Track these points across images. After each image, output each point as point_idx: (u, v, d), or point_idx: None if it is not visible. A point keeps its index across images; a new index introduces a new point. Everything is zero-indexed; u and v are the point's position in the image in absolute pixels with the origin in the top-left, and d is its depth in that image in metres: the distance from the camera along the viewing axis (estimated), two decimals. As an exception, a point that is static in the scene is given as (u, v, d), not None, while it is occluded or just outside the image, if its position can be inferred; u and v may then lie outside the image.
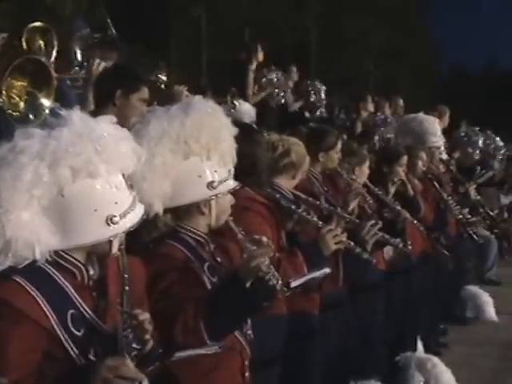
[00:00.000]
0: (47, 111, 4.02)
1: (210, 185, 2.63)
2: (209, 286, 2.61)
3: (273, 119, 7.76)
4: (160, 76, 5.29)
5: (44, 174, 1.98)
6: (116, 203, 2.08)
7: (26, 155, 1.97)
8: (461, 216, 6.05)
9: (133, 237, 2.26)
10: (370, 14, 26.61)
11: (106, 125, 2.13)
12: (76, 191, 2.02)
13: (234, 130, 2.76)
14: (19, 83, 3.95)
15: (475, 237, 6.15)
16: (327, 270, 2.91)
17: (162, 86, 5.23)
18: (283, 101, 8.16)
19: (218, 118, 2.71)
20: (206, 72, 20.52)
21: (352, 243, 3.57)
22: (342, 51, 25.93)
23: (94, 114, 3.65)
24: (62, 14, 15.92)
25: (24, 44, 5.69)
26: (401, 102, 10.21)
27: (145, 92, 3.76)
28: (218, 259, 2.74)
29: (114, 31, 5.36)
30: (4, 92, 3.75)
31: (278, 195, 3.58)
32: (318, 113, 8.75)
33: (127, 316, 2.08)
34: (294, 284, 2.58)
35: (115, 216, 2.06)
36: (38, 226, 2.00)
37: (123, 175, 2.14)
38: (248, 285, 2.43)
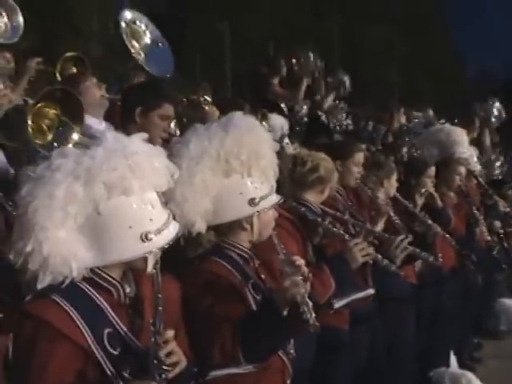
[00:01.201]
0: (71, 145, 4.09)
1: (252, 201, 2.64)
2: (253, 304, 2.60)
3: (301, 131, 7.76)
4: (205, 97, 5.34)
5: (79, 192, 2.01)
6: (151, 220, 2.10)
7: (61, 173, 2.01)
8: (488, 234, 5.98)
9: (178, 254, 2.27)
10: (392, 24, 26.57)
11: (139, 142, 2.15)
12: (111, 208, 2.05)
13: (275, 145, 2.76)
14: (51, 111, 4.02)
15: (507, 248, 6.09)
16: (371, 291, 2.88)
17: (206, 107, 5.26)
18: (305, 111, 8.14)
19: (258, 134, 2.72)
20: (231, 86, 20.63)
21: (379, 256, 3.56)
22: (365, 62, 25.90)
23: (116, 130, 3.72)
24: (87, 33, 16.12)
25: (58, 72, 5.81)
26: (431, 112, 10.13)
27: (167, 109, 3.74)
28: (262, 276, 2.74)
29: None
30: (31, 119, 3.82)
31: (303, 208, 3.59)
32: (343, 123, 8.73)
33: (158, 336, 2.08)
34: (337, 305, 2.57)
35: (150, 233, 2.08)
36: (75, 243, 2.03)
37: (157, 192, 2.16)
38: (284, 313, 2.43)
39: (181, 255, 2.35)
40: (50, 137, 3.99)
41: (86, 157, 2.04)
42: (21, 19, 5.14)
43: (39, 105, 3.88)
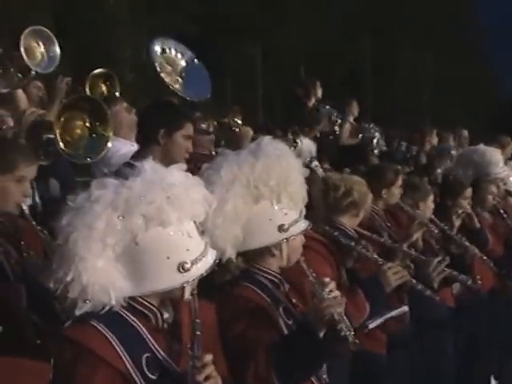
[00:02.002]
0: (104, 152, 4.15)
1: (281, 228, 2.64)
2: (284, 329, 2.60)
3: (331, 154, 7.75)
4: (236, 120, 5.39)
5: (117, 223, 2.03)
6: (188, 250, 2.11)
7: (100, 204, 2.04)
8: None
9: (206, 279, 2.28)
10: (424, 45, 26.50)
11: (177, 173, 2.17)
12: (149, 239, 2.07)
13: (304, 171, 2.77)
14: (79, 122, 4.09)
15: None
16: (405, 309, 2.86)
17: (237, 129, 5.30)
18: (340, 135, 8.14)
19: (287, 160, 2.73)
20: (263, 110, 20.73)
21: (413, 280, 3.52)
22: (397, 83, 25.83)
23: (139, 152, 3.77)
24: (120, 59, 16.35)
25: (87, 90, 5.91)
26: (465, 133, 10.05)
27: (189, 129, 3.77)
28: (294, 300, 2.73)
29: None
30: (59, 131, 3.89)
31: (336, 232, 3.58)
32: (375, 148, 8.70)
33: (197, 361, 2.09)
34: (371, 325, 2.56)
35: (187, 263, 2.09)
36: (113, 273, 2.05)
37: (195, 222, 2.17)
38: (321, 334, 2.41)
39: (209, 280, 2.34)
40: (83, 146, 4.07)
41: (125, 188, 2.07)
42: (57, 49, 5.22)
43: (64, 118, 3.97)
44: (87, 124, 4.14)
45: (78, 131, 4.12)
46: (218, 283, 2.62)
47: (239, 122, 5.68)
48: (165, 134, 3.65)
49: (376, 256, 3.55)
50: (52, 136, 3.92)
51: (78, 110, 4.09)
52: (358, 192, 3.81)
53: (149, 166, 2.14)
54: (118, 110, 4.78)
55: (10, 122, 3.86)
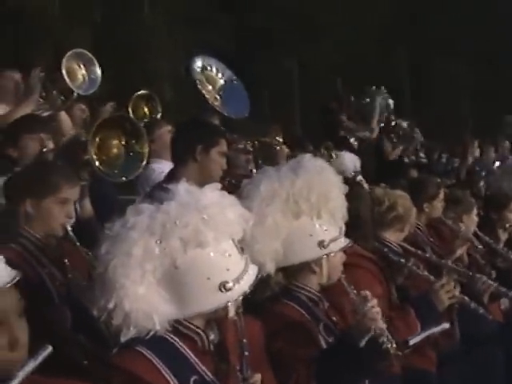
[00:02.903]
0: (140, 170, 4.17)
1: (321, 244, 2.64)
2: (324, 346, 2.59)
3: (372, 167, 7.71)
4: (278, 139, 5.40)
5: (155, 248, 2.03)
6: (228, 270, 2.10)
7: (137, 230, 2.03)
8: None
9: (247, 296, 2.27)
10: (462, 55, 26.23)
11: (212, 193, 2.16)
12: (188, 262, 2.06)
13: (344, 188, 2.75)
14: (115, 141, 4.12)
15: None
16: (446, 326, 2.83)
17: (278, 148, 5.31)
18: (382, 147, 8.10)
19: (328, 177, 2.74)
20: (300, 123, 20.71)
21: (466, 298, 3.45)
22: (435, 94, 25.62)
23: (175, 170, 3.79)
24: (159, 76, 16.52)
25: (130, 111, 5.98)
26: (507, 144, 9.91)
27: (223, 145, 3.80)
28: (334, 318, 2.71)
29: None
30: (94, 151, 3.92)
31: (385, 249, 3.54)
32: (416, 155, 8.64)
33: (246, 382, 2.07)
34: (412, 342, 2.53)
35: (228, 282, 2.08)
36: (155, 298, 2.05)
37: (233, 240, 2.16)
38: (361, 346, 2.39)
39: (249, 297, 2.33)
40: (120, 165, 4.11)
41: (160, 212, 2.06)
42: (98, 71, 5.29)
43: (99, 137, 4.00)
44: (123, 142, 4.17)
45: (115, 150, 4.15)
46: (258, 299, 2.61)
47: (280, 140, 5.69)
48: (202, 150, 3.68)
49: (427, 273, 3.50)
50: (88, 156, 3.96)
51: (112, 129, 4.13)
52: (402, 206, 3.77)
53: (183, 188, 2.14)
54: (161, 133, 4.83)
55: (51, 145, 3.91)
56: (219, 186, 2.25)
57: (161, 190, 2.14)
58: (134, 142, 4.13)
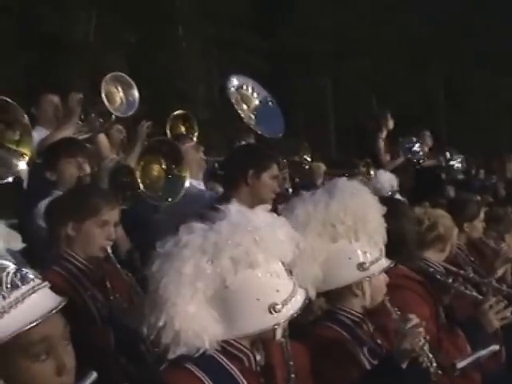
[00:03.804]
0: (183, 192, 4.20)
1: (361, 266, 2.62)
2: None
3: (409, 186, 7.64)
4: (305, 157, 5.41)
5: (207, 267, 2.03)
6: (277, 291, 2.10)
7: (189, 249, 2.04)
8: None
9: (291, 320, 2.26)
10: (497, 68, 25.96)
11: (263, 214, 2.17)
12: (238, 282, 2.06)
13: (382, 209, 2.73)
14: (156, 165, 4.15)
15: None
16: (495, 348, 2.77)
17: (307, 166, 5.32)
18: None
19: (364, 199, 2.72)
20: (335, 142, 20.68)
21: None
22: (471, 109, 25.37)
23: (226, 194, 3.82)
24: (194, 99, 16.65)
25: (168, 131, 6.03)
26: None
27: (275, 169, 3.87)
28: (378, 341, 2.69)
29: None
30: (139, 173, 3.96)
31: (431, 269, 3.49)
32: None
33: None
34: (460, 365, 2.48)
35: (277, 304, 2.07)
36: (205, 317, 2.05)
37: (283, 262, 2.16)
38: (403, 367, 2.37)
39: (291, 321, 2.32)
40: (161, 188, 4.13)
41: (212, 232, 2.07)
42: (136, 93, 5.35)
43: (143, 162, 4.04)
44: (163, 166, 4.20)
45: (155, 173, 4.19)
46: (301, 324, 2.59)
47: (309, 159, 5.69)
48: (253, 174, 3.75)
49: (475, 293, 3.44)
50: (133, 180, 4.00)
51: (154, 152, 4.17)
52: (443, 226, 3.73)
53: (234, 208, 2.15)
54: (186, 149, 4.85)
55: (88, 169, 3.96)
56: (269, 207, 2.26)
57: (213, 210, 2.14)
58: (173, 166, 4.17)
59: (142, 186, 3.99)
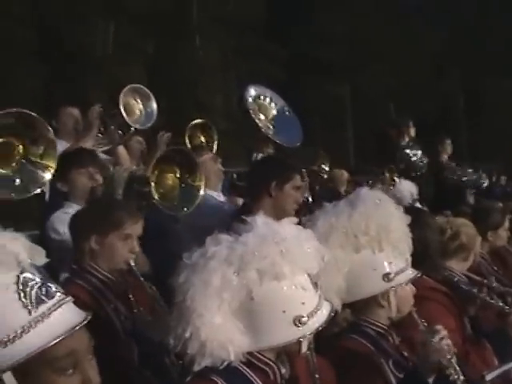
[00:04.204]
0: (198, 200, 4.19)
1: (386, 277, 2.60)
2: (394, 383, 2.53)
3: (429, 193, 7.59)
4: (323, 166, 5.39)
5: (233, 278, 2.04)
6: (303, 303, 2.09)
7: (216, 260, 2.05)
8: None
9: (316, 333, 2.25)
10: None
11: (289, 226, 2.17)
12: (264, 293, 2.06)
13: (407, 218, 2.71)
14: (170, 174, 4.15)
15: None
16: (525, 359, 2.72)
17: (325, 176, 5.32)
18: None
19: (387, 209, 2.70)
20: (353, 150, 20.64)
21: None
22: (491, 115, 25.19)
23: (249, 205, 3.82)
24: (211, 109, 16.69)
25: (187, 141, 6.04)
26: None
27: (297, 180, 3.88)
28: (405, 353, 2.66)
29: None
30: (153, 184, 3.96)
31: (456, 279, 3.46)
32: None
33: None
34: (489, 377, 2.45)
35: (303, 316, 2.07)
36: (231, 329, 2.05)
37: (309, 275, 2.15)
38: (430, 381, 2.34)
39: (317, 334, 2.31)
40: (176, 197, 4.13)
41: (239, 244, 2.08)
42: (154, 105, 5.37)
43: (157, 171, 4.04)
44: (177, 175, 4.20)
45: (170, 182, 4.19)
46: (326, 336, 2.57)
47: (327, 168, 5.68)
48: (276, 186, 3.77)
49: (502, 304, 3.39)
50: (147, 189, 4.00)
51: (168, 162, 4.17)
52: (465, 235, 3.70)
53: (261, 220, 2.15)
54: (204, 160, 4.86)
55: (100, 179, 3.94)
56: (295, 219, 2.25)
57: (239, 222, 2.14)
58: (187, 175, 4.17)
59: (156, 195, 3.99)
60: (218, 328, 2.02)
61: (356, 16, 21.62)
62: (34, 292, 1.64)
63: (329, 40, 20.95)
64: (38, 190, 3.45)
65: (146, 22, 16.86)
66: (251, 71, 17.31)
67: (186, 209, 4.20)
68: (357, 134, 21.04)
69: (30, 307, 1.62)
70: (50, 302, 1.65)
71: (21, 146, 3.39)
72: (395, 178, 6.01)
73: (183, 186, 4.21)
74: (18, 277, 1.63)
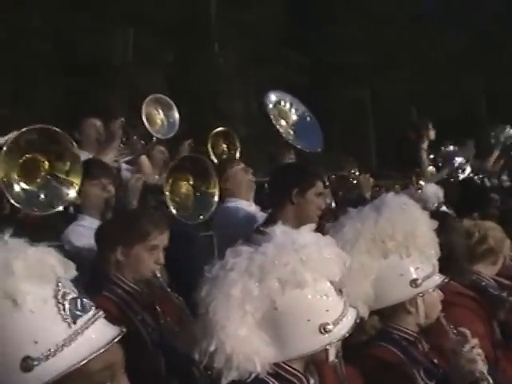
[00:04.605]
0: (214, 207, 4.18)
1: (414, 282, 2.58)
2: None
3: (455, 196, 7.51)
4: (353, 172, 5.37)
5: (254, 289, 2.03)
6: (327, 311, 2.08)
7: (236, 272, 2.05)
8: None
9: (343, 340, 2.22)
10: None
11: (308, 234, 2.17)
12: (287, 302, 2.05)
13: (433, 223, 2.69)
14: (184, 182, 4.14)
15: None
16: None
17: (354, 181, 5.29)
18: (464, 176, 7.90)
19: (412, 213, 2.70)
20: (375, 154, 20.53)
21: None
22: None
23: (273, 213, 3.80)
24: (232, 115, 16.71)
25: (210, 149, 6.05)
26: None
27: (319, 186, 3.87)
28: (435, 360, 2.63)
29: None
30: (168, 193, 3.94)
31: (483, 283, 3.41)
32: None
33: None
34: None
35: (328, 324, 2.06)
36: (256, 340, 2.04)
37: (331, 282, 2.14)
38: None
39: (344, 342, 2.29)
40: (191, 205, 4.11)
41: (258, 254, 2.08)
42: (176, 115, 5.38)
43: (171, 180, 4.02)
44: (191, 182, 4.19)
45: (183, 191, 4.17)
46: (354, 344, 2.55)
47: (357, 173, 5.65)
48: (298, 193, 3.76)
49: None
50: (162, 199, 3.99)
51: (182, 170, 4.16)
52: (493, 238, 3.65)
53: (279, 230, 2.15)
54: (235, 172, 4.87)
55: (112, 190, 3.92)
56: (314, 226, 2.24)
57: (259, 233, 2.14)
58: (200, 183, 4.15)
59: (172, 205, 3.96)
60: (242, 340, 2.01)
61: (375, 20, 21.55)
62: (71, 305, 1.64)
63: (348, 45, 20.89)
64: (61, 208, 3.45)
65: (165, 31, 16.93)
66: (271, 77, 17.29)
67: (201, 216, 4.18)
68: (379, 138, 20.94)
69: (69, 320, 1.62)
70: (87, 316, 1.66)
71: (46, 162, 3.40)
72: (421, 182, 5.92)
73: (197, 194, 4.18)
74: (56, 290, 1.64)
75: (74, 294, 1.67)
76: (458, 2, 23.28)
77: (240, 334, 2.01)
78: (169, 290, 3.09)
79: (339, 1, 21.38)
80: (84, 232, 3.63)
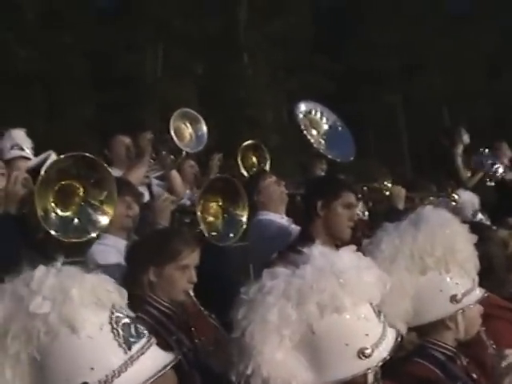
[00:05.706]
0: (244, 226, 4.12)
1: (453, 298, 2.54)
2: None
3: (490, 200, 7.38)
4: (386, 183, 5.30)
5: (292, 313, 1.99)
6: (366, 335, 2.03)
7: (273, 295, 2.00)
8: None
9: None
10: None
11: (348, 256, 2.12)
12: (325, 327, 2.00)
13: (472, 237, 2.63)
14: (213, 203, 4.09)
15: None
16: None
17: (387, 192, 5.22)
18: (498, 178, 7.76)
19: (452, 228, 2.64)
20: (409, 160, 20.37)
21: None
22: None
23: (304, 229, 3.75)
24: (262, 125, 16.73)
25: (239, 162, 6.03)
26: None
27: (348, 197, 3.76)
28: (474, 375, 2.57)
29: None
30: (200, 214, 3.90)
31: (524, 294, 3.33)
32: None
33: None
34: None
35: (367, 348, 2.01)
36: (293, 364, 2.00)
37: (371, 304, 2.09)
38: None
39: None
40: (219, 227, 4.06)
41: (296, 277, 2.03)
42: (204, 128, 5.37)
43: (202, 200, 3.99)
44: (220, 204, 4.14)
45: (212, 211, 4.13)
46: (391, 360, 2.50)
47: (389, 185, 5.59)
48: (323, 205, 3.68)
49: None
50: (194, 220, 3.95)
51: (213, 191, 4.12)
52: None
53: (317, 251, 2.10)
54: (267, 184, 4.84)
55: (136, 208, 3.89)
56: (354, 247, 2.19)
57: (295, 251, 2.10)
58: (229, 204, 4.08)
59: (203, 226, 3.91)
60: (279, 364, 1.97)
61: (405, 24, 21.42)
62: (125, 331, 1.65)
63: (379, 49, 20.79)
64: (93, 234, 3.45)
65: (194, 43, 17.05)
66: (302, 85, 17.28)
67: (232, 235, 4.11)
68: (412, 143, 20.77)
69: (124, 346, 1.63)
70: (142, 342, 1.67)
71: (81, 189, 3.39)
72: (455, 195, 5.78)
73: (225, 215, 4.12)
74: (111, 316, 1.65)
75: (127, 320, 1.68)
76: (492, 3, 23.01)
77: (277, 357, 1.98)
78: (202, 308, 3.06)
79: (368, 6, 21.30)
80: (108, 250, 3.63)
